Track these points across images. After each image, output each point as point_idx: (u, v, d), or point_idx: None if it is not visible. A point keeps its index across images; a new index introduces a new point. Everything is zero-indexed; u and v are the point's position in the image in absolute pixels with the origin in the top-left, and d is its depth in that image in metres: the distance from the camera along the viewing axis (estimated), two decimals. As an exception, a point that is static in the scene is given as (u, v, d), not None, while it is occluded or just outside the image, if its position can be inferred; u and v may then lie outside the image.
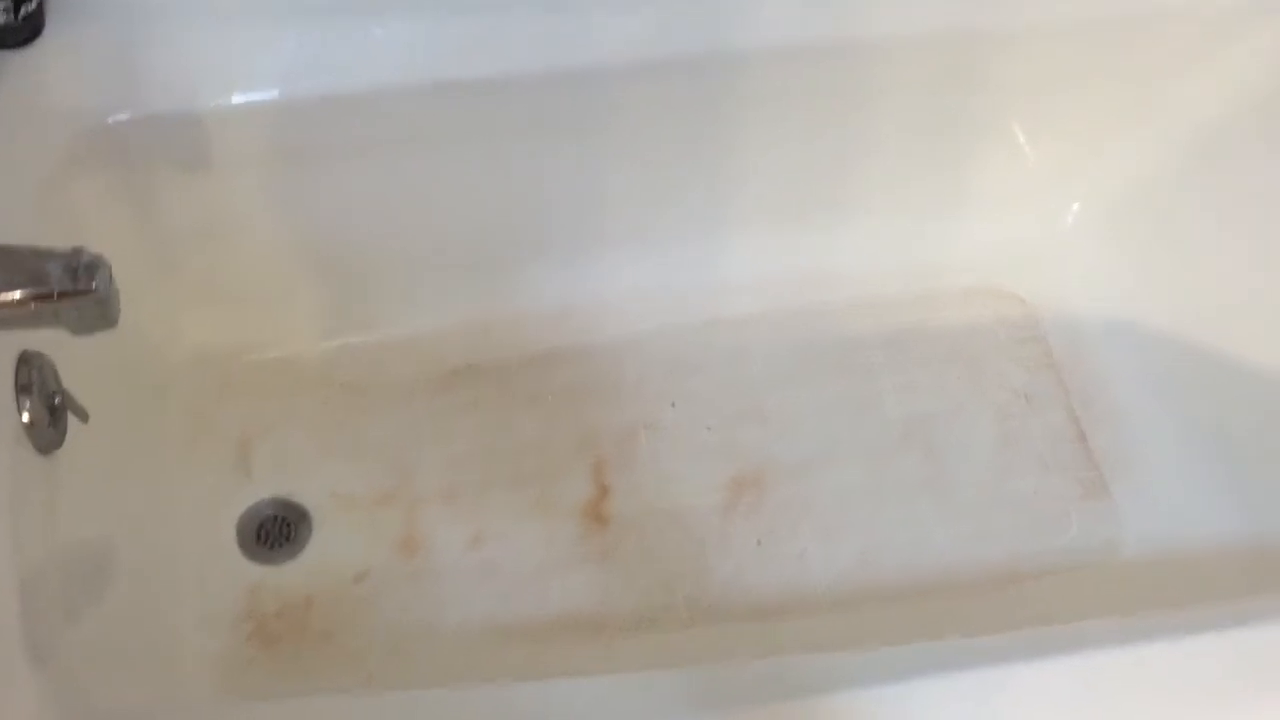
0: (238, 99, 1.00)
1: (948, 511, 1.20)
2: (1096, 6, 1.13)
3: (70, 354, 0.92)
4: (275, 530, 1.15)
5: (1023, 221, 1.35)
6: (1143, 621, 0.85)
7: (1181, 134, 1.24)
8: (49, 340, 0.89)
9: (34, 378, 0.86)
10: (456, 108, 1.08)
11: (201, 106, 0.99)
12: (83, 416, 0.91)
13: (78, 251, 0.72)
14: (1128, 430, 1.25)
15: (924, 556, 1.17)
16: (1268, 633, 0.81)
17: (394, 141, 1.11)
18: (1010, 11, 1.11)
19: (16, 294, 0.70)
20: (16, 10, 0.94)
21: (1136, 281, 1.31)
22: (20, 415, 0.84)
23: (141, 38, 0.99)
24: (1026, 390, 1.28)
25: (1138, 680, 0.78)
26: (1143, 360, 1.28)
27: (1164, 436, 1.23)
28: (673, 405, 1.25)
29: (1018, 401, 1.27)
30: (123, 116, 0.97)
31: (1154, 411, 1.25)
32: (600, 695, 0.80)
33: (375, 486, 1.18)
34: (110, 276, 0.72)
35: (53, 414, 0.88)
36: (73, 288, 0.71)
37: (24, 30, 0.96)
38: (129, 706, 0.88)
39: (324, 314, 1.25)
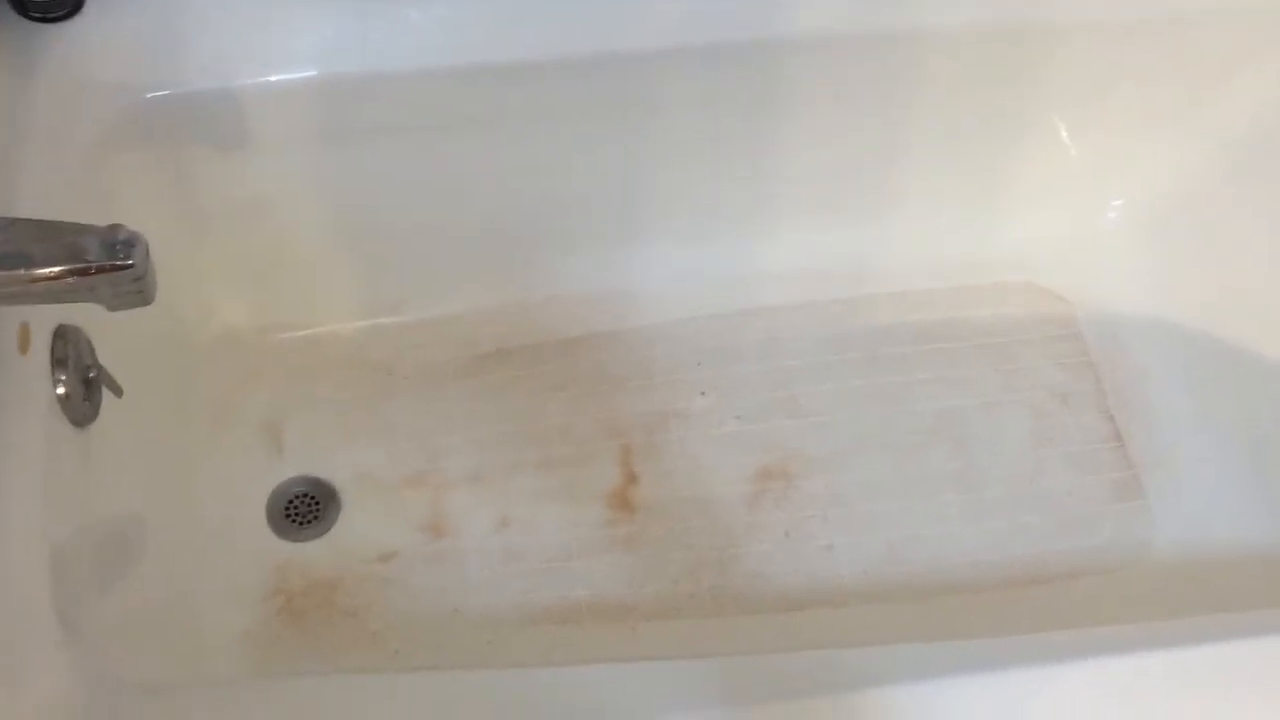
0: (275, 78, 1.00)
1: (978, 508, 1.19)
2: (1145, 5, 1.11)
3: (105, 329, 0.92)
4: (304, 508, 1.16)
5: (1063, 218, 1.33)
6: (1175, 626, 0.84)
7: (1226, 135, 1.22)
8: (85, 315, 0.89)
9: (69, 352, 0.86)
10: (492, 91, 1.08)
11: (238, 85, 0.99)
12: (117, 391, 0.92)
13: (115, 228, 0.72)
14: (1163, 431, 1.23)
15: (952, 553, 1.16)
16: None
17: (429, 124, 1.10)
18: (1057, 6, 1.10)
19: (55, 268, 0.71)
20: (59, -16, 0.94)
21: (1176, 282, 1.29)
22: (55, 388, 0.84)
23: (181, 15, 0.99)
24: (1062, 388, 1.26)
25: (1169, 686, 0.78)
26: (1181, 361, 1.26)
27: (1200, 439, 1.22)
28: (702, 394, 1.24)
29: (1053, 399, 1.25)
30: (161, 93, 0.98)
31: (1190, 413, 1.23)
32: (625, 681, 0.80)
33: (403, 467, 1.18)
34: (147, 253, 0.72)
35: (87, 388, 0.89)
36: (110, 263, 0.71)
37: (65, 4, 0.96)
38: (157, 680, 0.88)
39: (355, 294, 1.26)
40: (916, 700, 0.76)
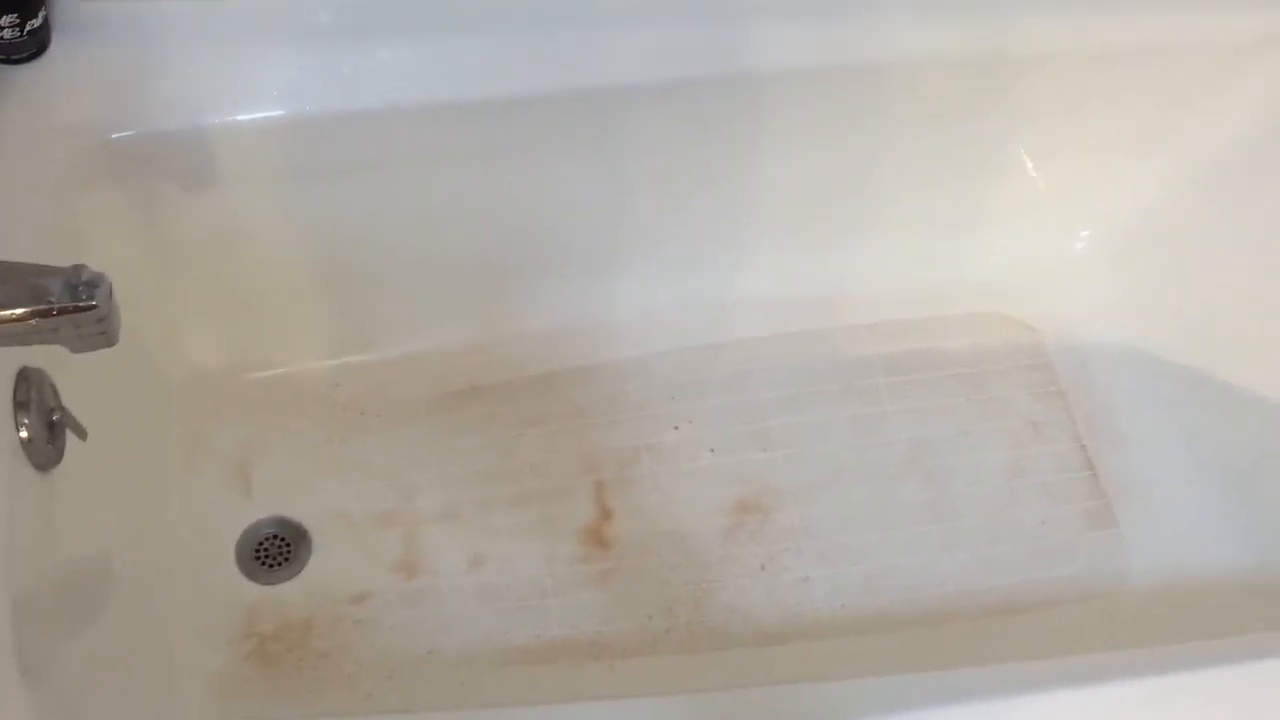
0: (242, 116, 0.99)
1: (953, 539, 1.19)
2: (1111, 34, 1.12)
3: (70, 371, 0.91)
4: (274, 549, 1.14)
5: (1032, 248, 1.34)
6: (1151, 655, 0.84)
7: (1193, 162, 1.24)
8: (48, 357, 0.88)
9: (32, 395, 0.85)
10: (462, 128, 1.08)
11: (206, 123, 0.99)
12: (81, 434, 0.90)
13: (78, 268, 0.71)
14: (1135, 459, 1.24)
15: (928, 584, 1.16)
16: (1276, 667, 0.80)
17: (399, 161, 1.10)
18: (1023, 38, 1.11)
19: (17, 310, 0.70)
20: (22, 26, 0.94)
21: (1146, 309, 1.30)
22: (18, 432, 0.83)
23: (146, 55, 0.99)
24: (1034, 418, 1.27)
25: (1148, 714, 0.77)
26: (1151, 388, 1.27)
27: (1171, 466, 1.22)
28: (676, 428, 1.24)
29: (1025, 429, 1.26)
30: (127, 133, 0.97)
31: (1162, 440, 1.24)
32: (602, 720, 0.79)
33: (376, 506, 1.17)
34: (111, 293, 0.71)
35: (51, 431, 0.87)
36: (73, 304, 0.70)
37: (30, 45, 0.96)
38: (122, 727, 0.87)
39: (326, 332, 1.25)
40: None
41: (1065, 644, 1.10)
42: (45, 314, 0.70)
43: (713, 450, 1.23)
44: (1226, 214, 1.23)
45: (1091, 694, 0.78)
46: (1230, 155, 1.21)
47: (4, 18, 0.93)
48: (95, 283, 0.71)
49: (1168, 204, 1.27)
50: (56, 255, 0.76)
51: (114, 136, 0.97)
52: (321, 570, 1.14)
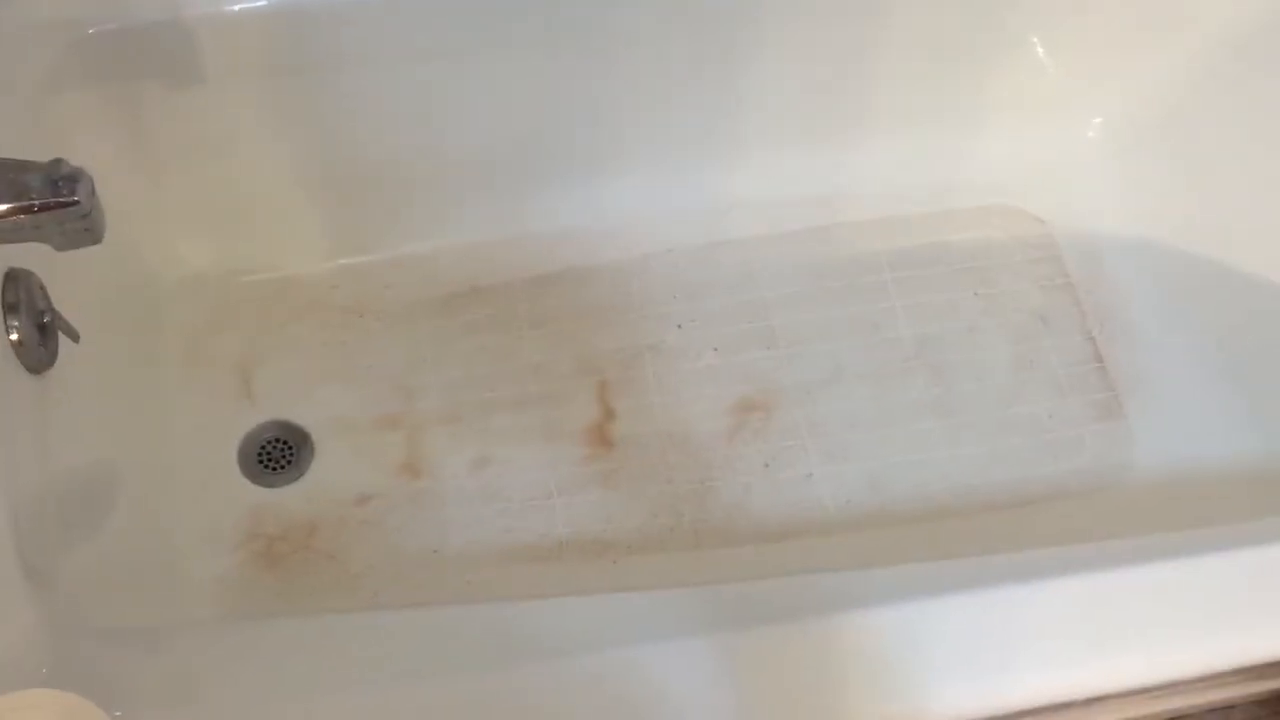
0: (227, 8, 0.97)
1: (959, 434, 1.18)
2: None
3: (61, 273, 0.90)
4: (277, 453, 1.14)
5: (1041, 139, 1.31)
6: (1151, 542, 0.84)
7: (1206, 50, 1.20)
8: (38, 259, 0.87)
9: (21, 296, 0.84)
10: (457, 21, 1.06)
11: (190, 15, 0.96)
12: (73, 336, 0.90)
13: (57, 163, 0.70)
14: (1144, 351, 1.22)
15: (934, 479, 1.15)
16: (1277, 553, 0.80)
17: (393, 56, 1.08)
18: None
19: (-1, 207, 0.68)
20: (-5, -85, 0.91)
21: (1156, 200, 1.27)
22: (8, 334, 0.82)
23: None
24: (1042, 311, 1.25)
25: (1146, 601, 0.77)
26: (1160, 280, 1.25)
27: (1180, 357, 1.21)
28: (679, 327, 1.23)
29: (1033, 322, 1.24)
30: (108, 26, 0.94)
31: (1170, 332, 1.22)
32: (605, 611, 0.80)
33: (377, 409, 1.17)
34: (92, 189, 0.70)
35: (42, 333, 0.86)
36: (54, 200, 0.69)
37: (3, -63, 0.93)
38: (128, 625, 0.87)
39: (322, 235, 1.23)
40: (899, 620, 0.76)
41: (1072, 536, 1.09)
42: (26, 210, 0.69)
43: (716, 349, 1.22)
44: (1241, 102, 1.19)
45: (1097, 580, 0.78)
46: (1241, 43, 1.17)
47: (-27, -93, 0.90)
48: (75, 177, 0.69)
49: (1181, 91, 1.24)
50: (39, 156, 0.74)
51: (92, 31, 0.94)
52: (325, 473, 1.13)
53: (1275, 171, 1.16)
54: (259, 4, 0.98)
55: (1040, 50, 1.24)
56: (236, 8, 0.97)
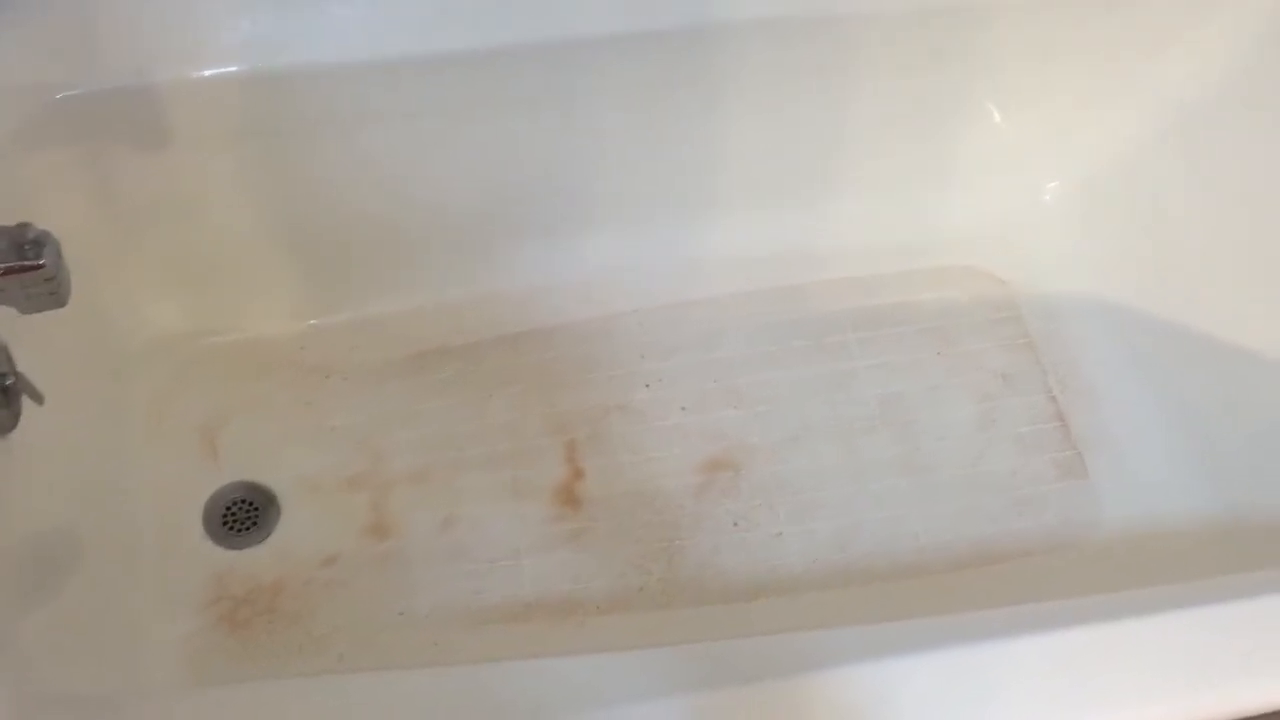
0: (195, 74, 0.97)
1: (925, 492, 1.19)
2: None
3: (25, 335, 0.89)
4: (242, 514, 1.13)
5: (1001, 199, 1.34)
6: (1119, 599, 0.84)
7: (1159, 111, 1.23)
8: (1, 321, 0.86)
9: (-15, 358, 0.83)
10: (419, 84, 1.06)
11: (157, 81, 0.96)
12: (37, 398, 0.89)
13: (24, 227, 0.70)
14: (1105, 409, 1.24)
15: (901, 537, 1.16)
16: (1242, 609, 0.80)
17: (359, 119, 1.08)
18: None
19: (-38, 270, 0.68)
20: (-34, -19, 0.91)
21: (1114, 260, 1.30)
22: (-30, 396, 0.81)
23: (93, 13, 0.96)
24: (1004, 370, 1.26)
25: (1116, 657, 0.78)
26: (1120, 339, 1.27)
27: (1141, 415, 1.22)
28: (647, 386, 1.23)
29: (995, 381, 1.26)
30: (74, 92, 0.95)
31: (1131, 390, 1.24)
32: (574, 673, 0.79)
33: (344, 469, 1.16)
34: (58, 252, 0.70)
35: (5, 395, 0.86)
36: (19, 263, 0.69)
37: (-28, 3, 0.93)
38: (87, 693, 0.85)
39: (290, 295, 1.23)
40: (869, 679, 0.76)
41: (1038, 593, 1.10)
42: (-9, 273, 0.69)
43: (683, 408, 1.22)
44: (1194, 164, 1.22)
45: (1063, 638, 0.78)
46: (1195, 104, 1.20)
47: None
48: (41, 241, 0.69)
49: (1135, 154, 1.27)
50: (2, 218, 0.74)
51: (59, 96, 0.94)
52: (291, 534, 1.12)
53: (1227, 232, 1.19)
54: (229, 69, 0.98)
55: (997, 116, 1.27)
56: (207, 73, 0.98)
